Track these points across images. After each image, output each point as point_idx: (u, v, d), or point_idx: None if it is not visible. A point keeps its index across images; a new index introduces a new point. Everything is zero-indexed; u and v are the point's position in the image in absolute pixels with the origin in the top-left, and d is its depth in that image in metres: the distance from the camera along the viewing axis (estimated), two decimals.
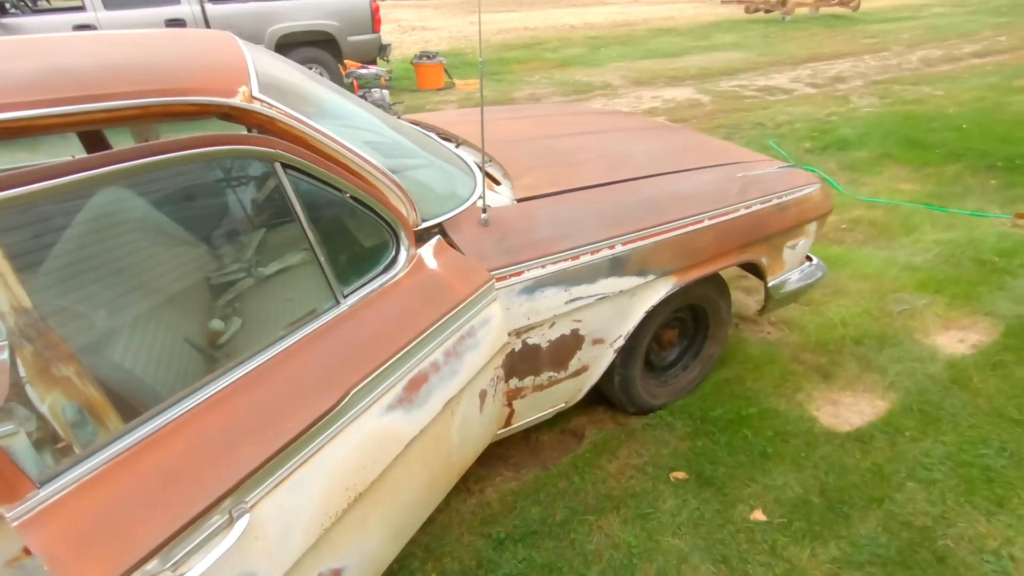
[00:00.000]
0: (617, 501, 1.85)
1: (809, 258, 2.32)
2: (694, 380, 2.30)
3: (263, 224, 1.14)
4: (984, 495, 1.84)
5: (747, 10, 14.98)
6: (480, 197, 1.62)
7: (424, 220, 1.49)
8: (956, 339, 2.59)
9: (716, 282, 2.09)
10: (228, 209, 1.67)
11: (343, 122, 1.66)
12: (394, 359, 1.15)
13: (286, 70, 1.62)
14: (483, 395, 1.49)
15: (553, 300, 1.59)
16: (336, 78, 7.16)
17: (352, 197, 1.20)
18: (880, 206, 3.94)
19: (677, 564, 1.66)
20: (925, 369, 2.40)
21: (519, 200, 1.69)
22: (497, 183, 1.84)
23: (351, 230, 1.28)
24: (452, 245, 1.50)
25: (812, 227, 2.17)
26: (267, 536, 0.91)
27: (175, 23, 6.27)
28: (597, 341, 1.77)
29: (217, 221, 1.58)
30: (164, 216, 1.41)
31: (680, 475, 1.94)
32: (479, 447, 1.60)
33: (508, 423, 1.76)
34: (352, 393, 1.05)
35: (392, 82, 7.31)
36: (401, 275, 1.29)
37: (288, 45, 6.94)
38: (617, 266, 1.68)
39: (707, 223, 1.84)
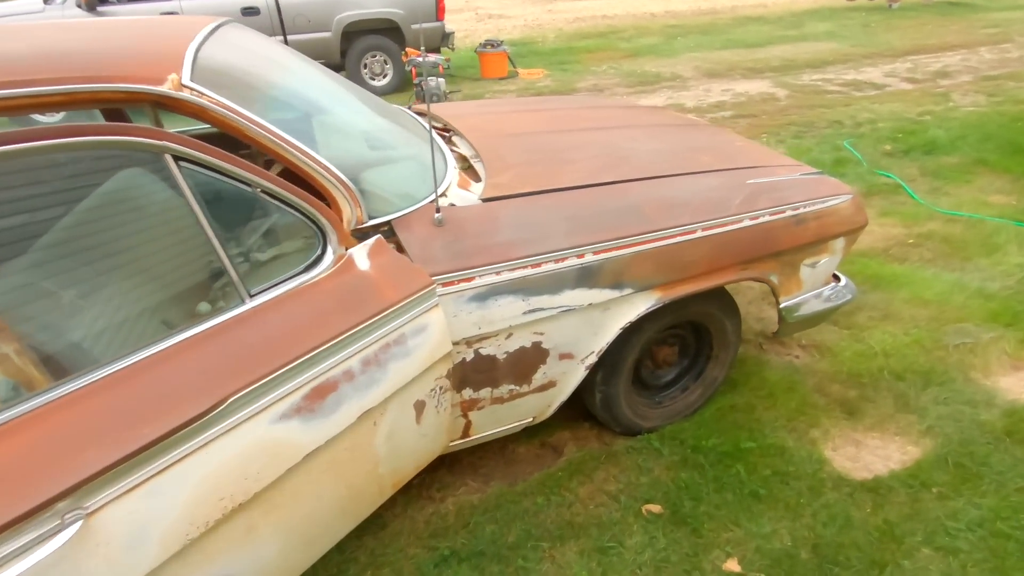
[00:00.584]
0: (579, 529, 1.72)
1: (836, 277, 2.04)
2: (694, 404, 2.10)
3: (152, 220, 1.09)
4: None
5: None
6: (439, 195, 1.53)
7: (373, 217, 1.41)
8: None
9: (719, 299, 1.89)
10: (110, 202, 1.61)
11: (310, 112, 1.62)
12: (291, 366, 1.09)
13: (260, 61, 1.59)
14: (420, 406, 1.41)
15: (509, 310, 1.48)
16: (398, 65, 7.26)
17: (268, 192, 1.15)
18: (960, 221, 3.46)
19: None
20: (976, 415, 2.06)
21: (485, 200, 1.58)
22: (478, 180, 1.74)
23: (270, 227, 1.23)
24: (400, 245, 1.42)
25: (838, 244, 1.90)
26: (110, 543, 0.88)
27: (250, 11, 6.57)
28: (564, 356, 1.64)
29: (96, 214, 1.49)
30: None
31: (654, 508, 1.77)
32: (422, 458, 1.53)
33: (466, 434, 1.67)
34: (231, 400, 1.00)
35: (450, 70, 7.31)
36: (322, 276, 1.23)
37: (354, 33, 7.10)
38: (586, 277, 1.54)
39: (700, 234, 1.64)
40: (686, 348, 2.08)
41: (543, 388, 1.68)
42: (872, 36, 10.04)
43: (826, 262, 1.92)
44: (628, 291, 1.60)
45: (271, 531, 1.13)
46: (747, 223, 1.70)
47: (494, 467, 1.98)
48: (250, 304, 1.13)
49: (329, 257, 1.25)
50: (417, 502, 1.85)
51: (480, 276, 1.43)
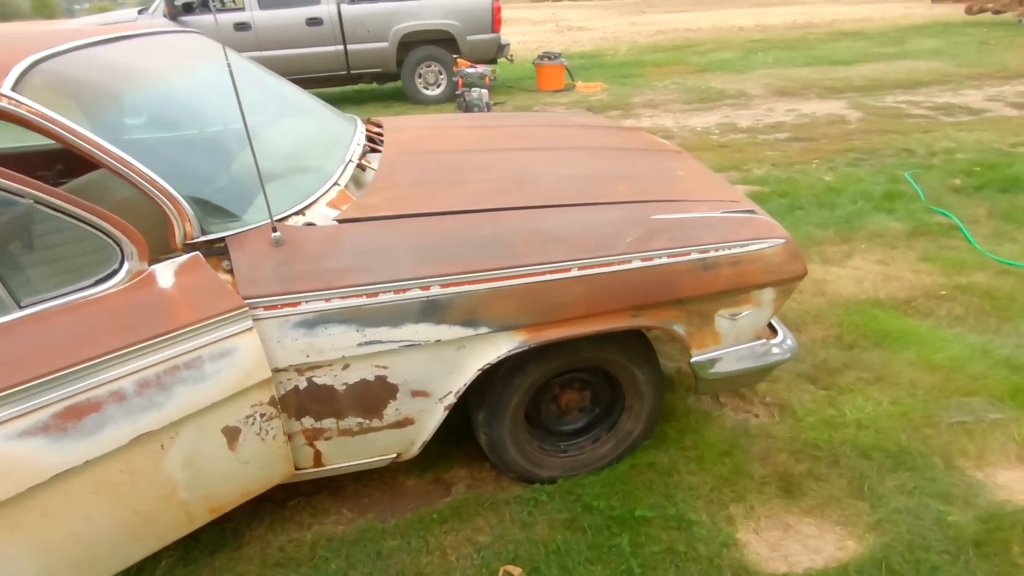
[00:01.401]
0: None
1: (774, 330, 1.77)
2: (605, 457, 1.89)
3: None
4: None
5: (969, 11, 12.38)
6: (297, 212, 1.47)
7: (207, 233, 1.38)
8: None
9: (621, 344, 1.69)
10: None
11: (195, 124, 1.63)
12: (39, 381, 1.07)
13: (143, 75, 1.62)
14: (233, 432, 1.35)
15: (341, 339, 1.39)
16: (451, 76, 7.36)
17: (49, 206, 1.14)
18: (1014, 273, 2.93)
19: None
20: (944, 514, 1.70)
21: (341, 220, 1.50)
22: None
23: (58, 239, 1.22)
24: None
25: (765, 295, 1.64)
26: None
27: (314, 22, 6.92)
28: (418, 393, 1.52)
29: None
30: None
31: (514, 571, 1.60)
32: (252, 485, 1.47)
33: (318, 463, 1.59)
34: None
35: (497, 81, 7.30)
36: (110, 292, 1.21)
37: (411, 43, 7.29)
38: (432, 311, 1.42)
39: (575, 273, 1.47)
40: (599, 395, 1.88)
41: (399, 425, 1.57)
42: (986, 55, 8.94)
43: (750, 315, 1.66)
44: (484, 330, 1.46)
45: (19, 548, 1.12)
46: (638, 264, 1.50)
47: (377, 498, 1.89)
48: (18, 313, 1.12)
49: (123, 273, 1.23)
50: (282, 525, 1.79)
51: (307, 302, 1.35)
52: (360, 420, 1.53)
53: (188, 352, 1.24)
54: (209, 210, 1.41)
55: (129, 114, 1.52)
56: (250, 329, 1.31)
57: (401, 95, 7.75)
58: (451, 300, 1.42)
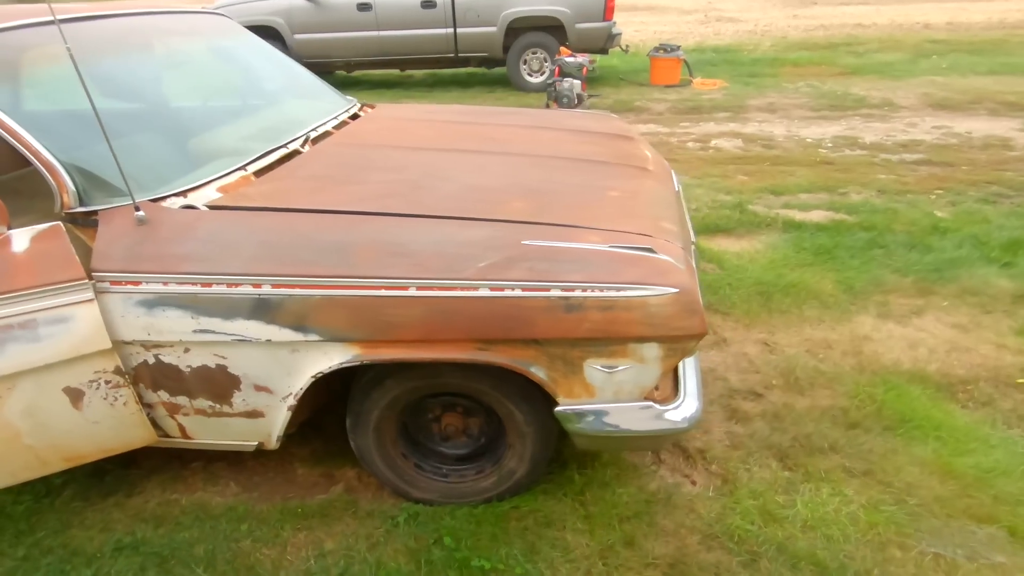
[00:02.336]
0: (241, 572, 1.59)
1: (676, 390, 1.49)
2: (486, 492, 1.75)
3: None
4: None
5: None
6: (175, 194, 1.52)
7: (85, 204, 1.47)
8: None
9: (495, 378, 1.52)
10: None
11: (124, 97, 1.74)
12: None
13: (85, 51, 1.76)
14: (76, 394, 1.44)
15: (177, 324, 1.41)
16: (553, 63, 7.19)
17: None
18: None
19: None
20: None
21: (209, 207, 1.51)
22: None
23: None
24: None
25: (647, 351, 1.37)
26: None
27: (428, 4, 7.13)
28: (261, 388, 1.51)
29: None
30: None
31: None
32: (107, 443, 1.56)
33: (185, 435, 1.65)
34: None
35: (594, 72, 6.97)
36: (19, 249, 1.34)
37: (519, 29, 7.24)
38: (263, 310, 1.38)
39: (413, 292, 1.34)
40: (487, 425, 1.73)
41: (250, 415, 1.57)
42: None
43: (630, 371, 1.40)
44: (315, 337, 1.40)
45: None
46: (485, 293, 1.33)
47: (267, 479, 1.93)
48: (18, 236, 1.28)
49: (33, 230, 1.35)
50: (174, 483, 1.90)
51: (147, 283, 1.39)
52: (211, 403, 1.55)
53: (23, 314, 1.33)
54: (96, 183, 1.50)
55: (48, 90, 1.67)
56: (90, 300, 1.38)
57: (506, 81, 7.74)
58: (281, 302, 1.38)
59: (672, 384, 1.53)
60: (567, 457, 1.90)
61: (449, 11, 7.10)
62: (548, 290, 1.33)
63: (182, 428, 1.63)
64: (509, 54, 7.38)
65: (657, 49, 7.67)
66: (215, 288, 1.38)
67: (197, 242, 1.43)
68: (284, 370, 1.47)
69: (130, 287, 1.40)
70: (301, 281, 1.36)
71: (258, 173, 1.73)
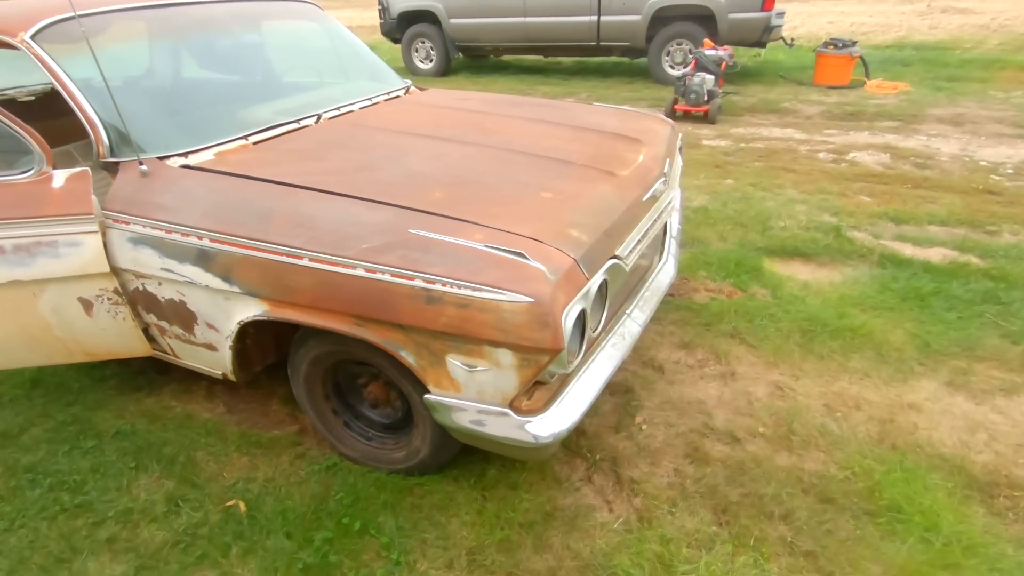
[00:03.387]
0: (169, 467, 1.88)
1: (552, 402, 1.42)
2: (396, 463, 1.85)
3: None
4: None
5: None
6: (178, 154, 1.83)
7: (114, 156, 1.84)
8: None
9: (390, 357, 1.61)
10: None
11: (167, 71, 2.12)
12: None
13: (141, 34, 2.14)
14: (87, 304, 1.83)
15: (150, 261, 1.72)
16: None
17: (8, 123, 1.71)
18: None
19: None
20: None
21: (194, 167, 1.78)
22: None
23: (11, 145, 1.78)
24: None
25: (502, 356, 1.33)
26: None
27: None
28: (211, 326, 1.76)
29: None
30: None
31: (240, 506, 1.77)
32: (115, 347, 1.95)
33: (172, 354, 1.99)
34: None
35: (735, 68, 6.34)
36: (20, 180, 1.75)
37: (665, 18, 6.91)
38: (203, 259, 1.62)
39: (306, 263, 1.47)
40: (403, 400, 1.82)
41: (209, 347, 1.85)
42: None
43: (489, 373, 1.38)
44: (236, 289, 1.60)
45: None
46: (361, 273, 1.41)
47: (248, 408, 2.23)
48: (56, 174, 1.75)
49: (33, 171, 1.76)
50: (180, 395, 2.29)
51: (133, 224, 1.71)
52: (181, 331, 1.86)
53: (49, 234, 1.73)
54: (124, 140, 1.86)
55: (114, 62, 2.07)
56: (94, 232, 1.74)
57: (648, 72, 7.44)
58: (215, 254, 1.60)
59: (550, 395, 1.47)
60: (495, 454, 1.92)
61: None
62: (412, 279, 1.37)
63: (171, 348, 1.97)
64: (652, 45, 7.08)
65: (826, 44, 6.77)
66: (173, 235, 1.65)
67: (172, 195, 1.71)
68: (223, 314, 1.71)
69: (123, 226, 1.73)
70: (229, 239, 1.57)
71: (257, 143, 1.98)
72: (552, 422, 1.42)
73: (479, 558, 1.62)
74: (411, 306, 1.38)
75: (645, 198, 1.79)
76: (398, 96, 2.63)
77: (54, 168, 1.78)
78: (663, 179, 1.95)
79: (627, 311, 1.82)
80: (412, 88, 2.77)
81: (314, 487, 1.85)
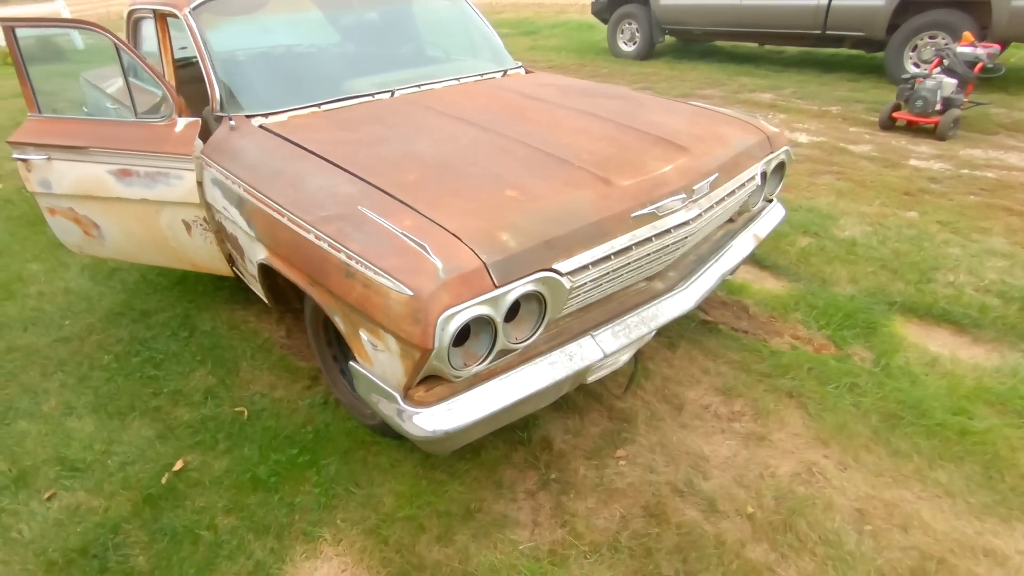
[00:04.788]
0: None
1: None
2: (366, 419, 2.01)
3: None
4: None
5: None
6: (259, 115, 2.17)
7: (221, 112, 2.26)
8: None
9: None
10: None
11: (293, 43, 2.48)
12: (114, 150, 2.25)
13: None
14: (187, 225, 2.31)
15: (218, 200, 2.08)
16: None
17: (147, 75, 2.22)
18: None
19: None
20: None
21: (267, 128, 2.09)
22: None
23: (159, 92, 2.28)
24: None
25: (391, 342, 1.35)
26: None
27: None
28: (250, 261, 2.09)
29: None
30: None
31: (243, 413, 2.10)
32: (210, 263, 2.42)
33: (243, 278, 2.41)
34: (91, 147, 2.28)
35: (1001, 72, 4.81)
36: (157, 123, 2.24)
37: (917, 3, 5.65)
38: (239, 204, 1.92)
39: (285, 221, 1.66)
40: None
41: (254, 278, 2.20)
42: None
43: (384, 355, 1.41)
44: (252, 233, 1.88)
45: (111, 223, 2.45)
46: (311, 238, 1.55)
47: (298, 339, 2.57)
48: (133, 119, 2.31)
49: (166, 117, 2.25)
50: (253, 311, 2.75)
51: (212, 168, 2.10)
52: (240, 260, 2.24)
53: (163, 167, 2.22)
54: (231, 99, 2.26)
55: (251, 35, 2.47)
56: (190, 169, 2.18)
57: (883, 68, 6.19)
58: (245, 202, 1.90)
59: (448, 393, 1.44)
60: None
61: None
62: (339, 251, 1.46)
63: (240, 272, 2.39)
64: (894, 36, 5.85)
65: None
66: (228, 181, 1.99)
67: (238, 148, 2.05)
68: (251, 253, 2.01)
69: (209, 168, 2.13)
70: (251, 191, 1.84)
71: (326, 111, 2.24)
72: (435, 419, 1.41)
73: (383, 526, 1.70)
74: (336, 276, 1.48)
75: (636, 214, 1.59)
76: (492, 77, 2.69)
77: (179, 116, 2.26)
78: (684, 195, 1.70)
79: (594, 332, 1.66)
80: (514, 71, 2.79)
81: (301, 416, 2.10)
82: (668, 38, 8.09)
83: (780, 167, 2.28)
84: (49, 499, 1.81)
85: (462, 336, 1.42)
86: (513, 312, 1.50)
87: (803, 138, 4.80)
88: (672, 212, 1.67)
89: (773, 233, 2.64)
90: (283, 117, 2.17)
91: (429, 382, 1.47)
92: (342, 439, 1.99)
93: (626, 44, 8.27)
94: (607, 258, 1.55)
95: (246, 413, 2.13)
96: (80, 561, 1.61)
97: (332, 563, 1.62)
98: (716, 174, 1.84)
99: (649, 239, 1.63)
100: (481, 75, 2.67)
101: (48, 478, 1.88)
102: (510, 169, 1.70)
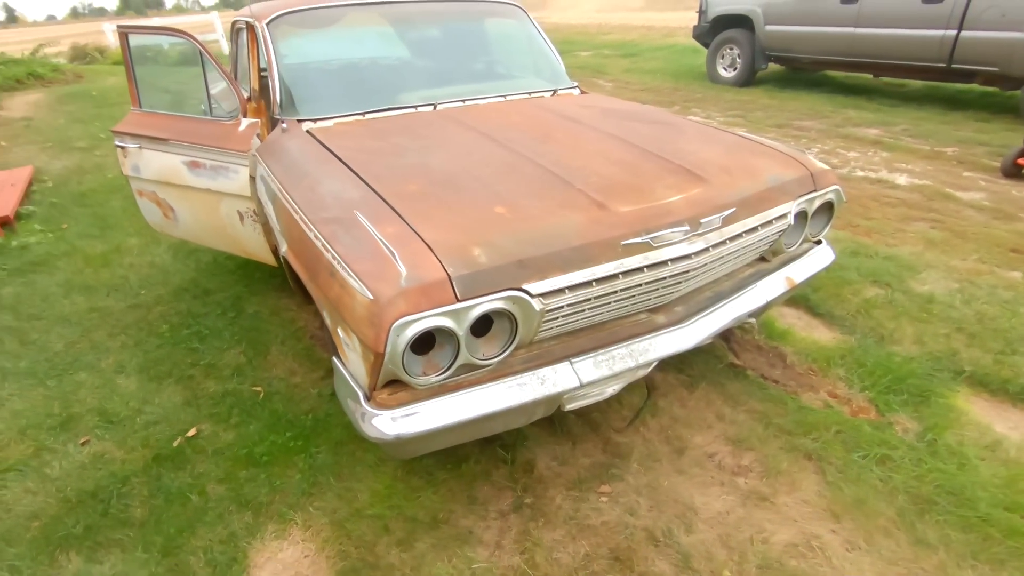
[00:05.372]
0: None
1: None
2: None
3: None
4: None
5: None
6: (308, 120, 2.34)
7: (280, 114, 2.46)
8: None
9: None
10: None
11: (354, 58, 2.66)
12: (187, 144, 2.52)
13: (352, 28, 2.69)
14: (240, 215, 2.54)
15: (264, 194, 2.28)
16: None
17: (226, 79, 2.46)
18: None
19: None
20: None
21: (311, 132, 2.25)
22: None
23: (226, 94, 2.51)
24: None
25: (356, 342, 1.39)
26: None
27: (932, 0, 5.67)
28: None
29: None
30: None
31: (260, 390, 2.24)
32: (260, 253, 2.64)
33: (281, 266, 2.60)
34: (171, 140, 2.57)
35: None
36: (226, 122, 2.47)
37: None
38: (274, 200, 2.08)
39: (297, 219, 1.76)
40: None
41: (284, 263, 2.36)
42: None
43: (354, 353, 1.45)
44: (279, 228, 2.02)
45: (184, 208, 2.73)
46: (311, 236, 1.63)
47: None
48: (208, 118, 2.58)
49: (232, 116, 2.48)
50: (287, 298, 2.93)
51: (262, 165, 2.29)
52: (278, 251, 2.42)
53: (226, 162, 2.45)
54: (289, 104, 2.46)
55: (318, 46, 2.66)
56: (245, 165, 2.39)
57: (1019, 109, 5.49)
58: (277, 198, 2.04)
59: (409, 400, 1.46)
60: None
61: (960, 8, 5.44)
62: (327, 252, 1.53)
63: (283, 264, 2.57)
64: None
65: None
66: (269, 178, 2.16)
67: (282, 150, 2.22)
68: (280, 245, 2.16)
69: (258, 165, 2.33)
70: (281, 189, 1.98)
71: (368, 120, 2.36)
72: (392, 424, 1.42)
73: (351, 520, 1.74)
74: (324, 275, 1.55)
75: (627, 242, 1.53)
76: (541, 96, 2.71)
77: (244, 117, 2.49)
78: (687, 227, 1.61)
79: (574, 359, 1.61)
80: (566, 91, 2.80)
81: (307, 404, 2.22)
82: (772, 65, 7.69)
83: (827, 207, 2.09)
84: (83, 444, 2.05)
85: (427, 345, 1.44)
86: (486, 328, 1.50)
87: (902, 180, 4.36)
88: (670, 244, 1.59)
89: (820, 278, 2.44)
90: (329, 123, 2.32)
91: (394, 387, 1.49)
92: (337, 430, 2.07)
93: (726, 70, 7.96)
94: (588, 284, 1.50)
95: (262, 393, 2.28)
96: (88, 503, 1.80)
97: (297, 547, 1.69)
98: (733, 208, 1.72)
99: (640, 269, 1.56)
100: (529, 93, 2.70)
101: (88, 426, 2.13)
102: (510, 187, 1.70)
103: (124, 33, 2.75)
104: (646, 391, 2.27)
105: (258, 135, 2.40)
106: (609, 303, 1.61)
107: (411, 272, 1.36)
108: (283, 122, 2.32)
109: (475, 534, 1.72)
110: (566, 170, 1.80)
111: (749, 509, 1.77)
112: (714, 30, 7.93)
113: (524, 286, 1.42)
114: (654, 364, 1.74)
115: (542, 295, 1.45)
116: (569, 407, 1.70)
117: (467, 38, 3.05)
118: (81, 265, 3.35)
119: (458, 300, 1.36)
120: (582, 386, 1.59)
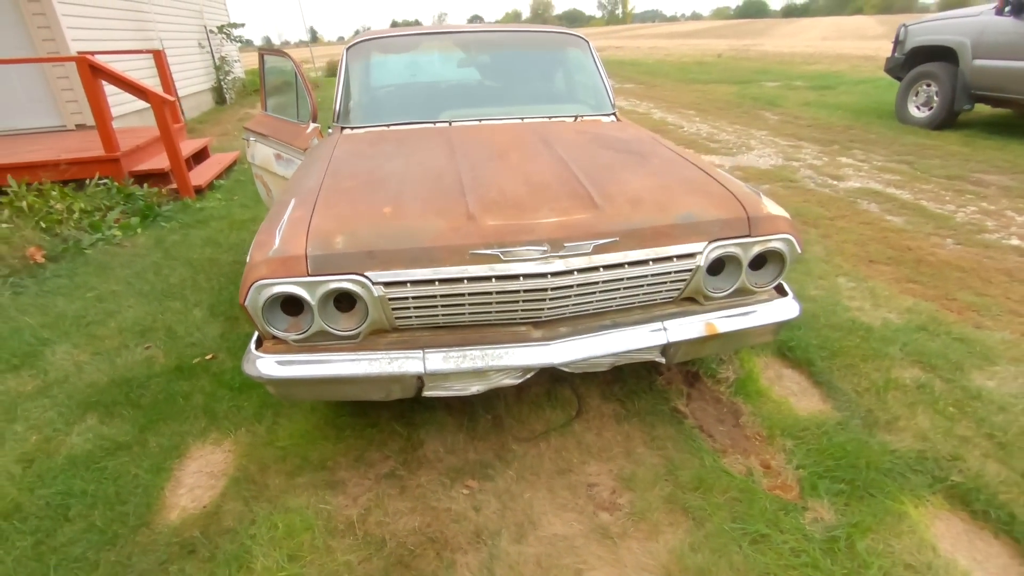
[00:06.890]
0: None
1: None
2: None
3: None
4: None
5: None
6: (348, 128, 2.84)
7: (336, 122, 3.00)
8: None
9: None
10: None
11: (410, 82, 3.12)
12: (275, 139, 3.21)
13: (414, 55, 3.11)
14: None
15: None
16: None
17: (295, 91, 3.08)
18: None
19: None
20: None
21: (343, 139, 2.73)
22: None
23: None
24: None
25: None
26: None
27: None
28: None
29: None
30: None
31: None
32: None
33: None
34: (269, 136, 3.28)
35: None
36: (299, 125, 3.08)
37: None
38: (301, 192, 2.61)
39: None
40: None
41: None
42: None
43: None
44: None
45: (275, 190, 3.46)
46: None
47: None
48: (294, 120, 3.24)
49: (304, 120, 3.08)
50: None
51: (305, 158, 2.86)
52: None
53: (293, 155, 3.08)
54: (343, 114, 2.99)
55: (382, 69, 3.15)
56: (301, 160, 2.98)
57: None
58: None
59: (281, 351, 1.80)
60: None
61: None
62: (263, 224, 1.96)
63: None
64: None
65: None
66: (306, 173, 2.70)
67: (317, 147, 2.74)
68: None
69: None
70: (310, 190, 2.48)
71: (383, 131, 2.77)
72: (264, 366, 1.77)
73: (263, 448, 2.13)
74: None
75: (476, 251, 1.67)
76: (562, 121, 2.85)
77: (312, 121, 3.10)
78: (546, 248, 1.68)
79: (429, 350, 1.78)
80: (594, 117, 2.90)
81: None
82: (978, 106, 6.43)
83: (774, 257, 1.92)
84: (146, 349, 2.79)
85: (296, 308, 1.76)
86: (351, 306, 1.78)
87: None
88: (522, 260, 1.68)
89: (843, 345, 2.25)
90: (361, 131, 2.80)
91: (277, 341, 1.85)
92: (324, 407, 2.48)
93: (918, 109, 6.86)
94: (430, 282, 1.68)
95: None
96: (117, 387, 2.48)
97: (223, 454, 2.13)
98: (614, 238, 1.74)
99: (488, 278, 1.69)
100: (550, 117, 2.87)
101: (156, 337, 2.88)
102: (415, 191, 1.94)
103: (261, 55, 3.59)
104: (578, 404, 2.30)
105: (318, 137, 2.97)
106: (463, 304, 1.76)
107: (280, 246, 1.70)
108: (333, 128, 2.85)
109: (345, 485, 1.98)
110: (477, 183, 1.97)
111: (588, 541, 1.75)
112: (909, 63, 6.91)
113: (367, 273, 1.67)
114: (522, 373, 1.83)
115: (384, 284, 1.68)
116: (428, 394, 1.88)
117: (522, 66, 3.31)
118: (225, 226, 4.37)
119: (308, 275, 1.66)
120: (428, 374, 1.77)
